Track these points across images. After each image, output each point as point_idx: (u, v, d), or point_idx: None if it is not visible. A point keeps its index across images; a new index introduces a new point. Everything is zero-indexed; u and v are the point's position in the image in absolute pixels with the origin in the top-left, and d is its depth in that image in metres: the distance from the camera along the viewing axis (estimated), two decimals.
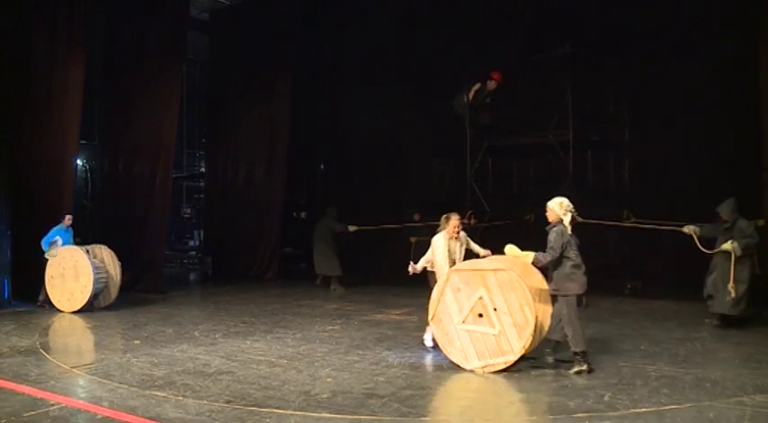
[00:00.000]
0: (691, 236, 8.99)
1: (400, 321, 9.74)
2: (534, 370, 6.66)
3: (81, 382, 6.47)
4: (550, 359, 6.86)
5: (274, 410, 5.40)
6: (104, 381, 6.36)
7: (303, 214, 14.19)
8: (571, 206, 6.74)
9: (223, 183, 16.15)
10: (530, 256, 6.74)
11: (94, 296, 10.61)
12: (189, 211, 20.16)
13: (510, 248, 6.93)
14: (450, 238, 7.62)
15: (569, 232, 6.66)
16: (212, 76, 16.93)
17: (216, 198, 16.42)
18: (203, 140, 18.99)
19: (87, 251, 10.72)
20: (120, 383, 6.24)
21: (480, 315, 6.71)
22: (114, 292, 11.03)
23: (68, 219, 11.07)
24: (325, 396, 5.83)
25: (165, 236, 13.81)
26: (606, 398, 5.74)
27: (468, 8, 13.58)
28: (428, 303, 7.14)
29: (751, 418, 5.17)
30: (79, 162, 15.92)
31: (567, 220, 6.67)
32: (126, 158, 13.59)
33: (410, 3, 14.32)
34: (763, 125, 8.86)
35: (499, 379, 6.46)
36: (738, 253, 8.67)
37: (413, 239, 11.52)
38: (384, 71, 14.67)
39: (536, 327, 6.52)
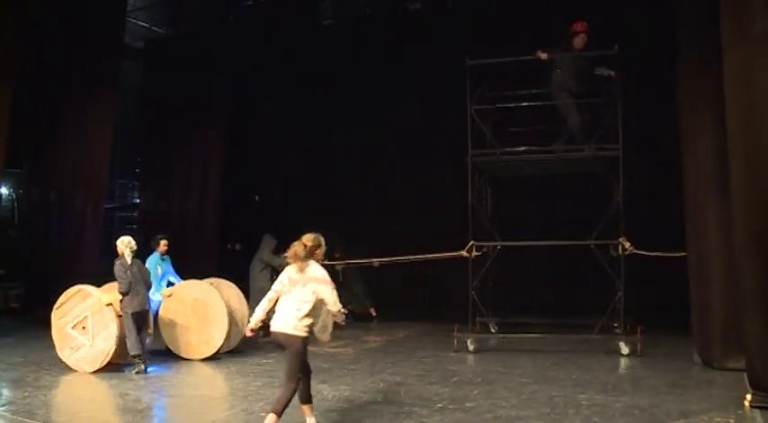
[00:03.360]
0: None
1: (335, 354, 9.68)
2: (469, 402, 6.71)
3: (1, 422, 6.21)
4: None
5: None
6: (27, 420, 6.08)
7: (237, 246, 14.00)
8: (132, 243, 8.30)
9: (156, 214, 15.88)
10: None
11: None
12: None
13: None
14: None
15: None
16: (146, 105, 16.72)
17: (149, 229, 16.11)
18: (137, 170, 18.67)
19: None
20: (44, 422, 6.01)
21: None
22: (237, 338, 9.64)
23: (164, 244, 9.63)
24: None
25: (95, 268, 13.45)
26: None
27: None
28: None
29: None
30: (5, 190, 15.45)
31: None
32: (56, 188, 13.24)
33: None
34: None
35: (432, 411, 6.47)
36: None
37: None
38: (315, 100, 14.76)
39: None
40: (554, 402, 6.68)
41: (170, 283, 9.66)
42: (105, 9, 13.28)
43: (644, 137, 11.38)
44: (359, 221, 14.31)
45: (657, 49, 10.63)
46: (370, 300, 13.04)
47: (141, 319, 8.20)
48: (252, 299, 11.55)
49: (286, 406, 5.35)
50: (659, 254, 9.96)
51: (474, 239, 10.18)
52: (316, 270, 5.57)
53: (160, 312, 9.34)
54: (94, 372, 8.12)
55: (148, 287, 8.56)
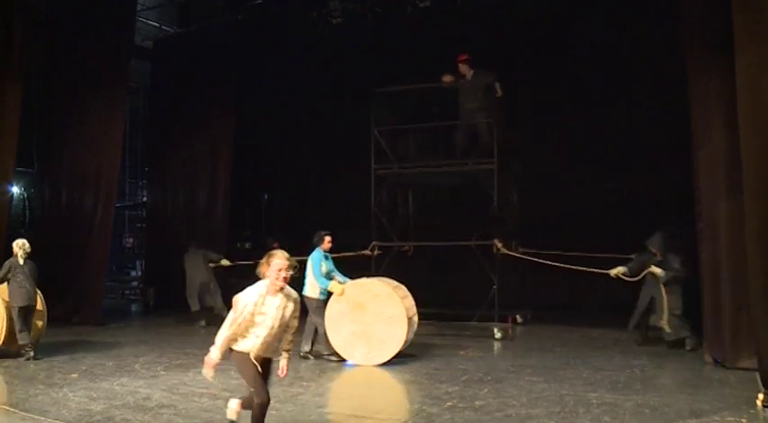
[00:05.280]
0: (617, 277, 9.65)
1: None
2: (478, 401, 6.70)
3: (14, 419, 6.22)
4: None
5: None
6: (39, 417, 6.13)
7: (247, 245, 14.02)
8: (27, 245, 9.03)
9: (165, 212, 15.93)
10: None
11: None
12: (131, 240, 19.77)
13: None
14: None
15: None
16: (155, 105, 16.77)
17: (158, 228, 16.18)
18: (146, 169, 18.73)
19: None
20: (56, 419, 6.02)
21: None
22: None
23: (328, 241, 9.20)
24: None
25: (105, 266, 13.53)
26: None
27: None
28: None
29: None
30: (16, 189, 15.51)
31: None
32: (67, 187, 13.32)
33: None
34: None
35: (442, 410, 6.46)
36: (663, 279, 9.30)
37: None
38: (327, 99, 14.73)
39: None
40: (564, 401, 6.66)
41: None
42: (116, 9, 13.33)
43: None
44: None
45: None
46: None
47: (28, 312, 8.95)
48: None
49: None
50: (522, 256, 11.00)
51: (376, 241, 11.67)
52: None
53: (327, 312, 8.93)
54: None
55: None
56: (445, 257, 13.61)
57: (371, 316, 8.66)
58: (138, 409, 6.39)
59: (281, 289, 4.96)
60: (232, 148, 15.31)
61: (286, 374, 5.20)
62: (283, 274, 4.88)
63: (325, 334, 8.91)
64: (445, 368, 8.42)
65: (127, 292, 18.83)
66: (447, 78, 11.40)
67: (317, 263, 9.01)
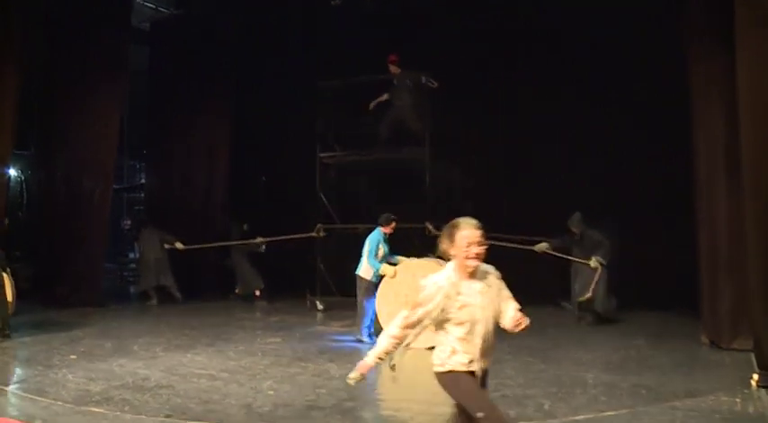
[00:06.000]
0: (544, 253, 10.20)
1: (343, 333, 9.74)
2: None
3: (12, 399, 6.26)
4: None
5: None
6: (38, 398, 6.16)
7: (245, 226, 14.05)
8: None
9: (164, 195, 15.90)
10: None
11: None
12: (129, 223, 19.75)
13: None
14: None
15: None
16: (154, 87, 16.68)
17: (156, 210, 16.15)
18: (144, 152, 18.67)
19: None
20: (55, 400, 6.04)
21: None
22: None
23: (393, 227, 9.16)
24: (266, 409, 5.79)
25: (104, 248, 13.52)
26: (546, 406, 5.84)
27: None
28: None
29: (681, 420, 5.39)
30: (13, 172, 15.47)
31: None
32: (65, 170, 13.25)
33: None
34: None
35: (437, 388, 6.49)
36: (603, 263, 9.95)
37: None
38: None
39: None
40: (561, 381, 6.71)
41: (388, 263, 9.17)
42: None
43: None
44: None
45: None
46: (256, 279, 13.56)
47: None
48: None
49: None
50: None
51: (321, 223, 12.61)
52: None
53: (378, 296, 8.91)
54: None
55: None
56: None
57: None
58: (136, 390, 6.43)
59: (474, 270, 3.74)
60: (230, 129, 15.25)
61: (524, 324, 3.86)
62: (474, 249, 3.68)
63: (365, 316, 8.99)
64: None
65: (125, 273, 18.83)
66: (394, 69, 12.03)
67: (375, 244, 8.98)
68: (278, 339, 9.20)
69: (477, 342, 3.68)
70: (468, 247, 3.65)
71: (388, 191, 13.81)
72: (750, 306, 6.83)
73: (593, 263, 9.98)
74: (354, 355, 7.99)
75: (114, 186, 14.83)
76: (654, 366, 7.41)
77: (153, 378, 6.92)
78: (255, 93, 15.41)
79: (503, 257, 9.27)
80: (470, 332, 3.66)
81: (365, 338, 8.92)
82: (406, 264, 8.92)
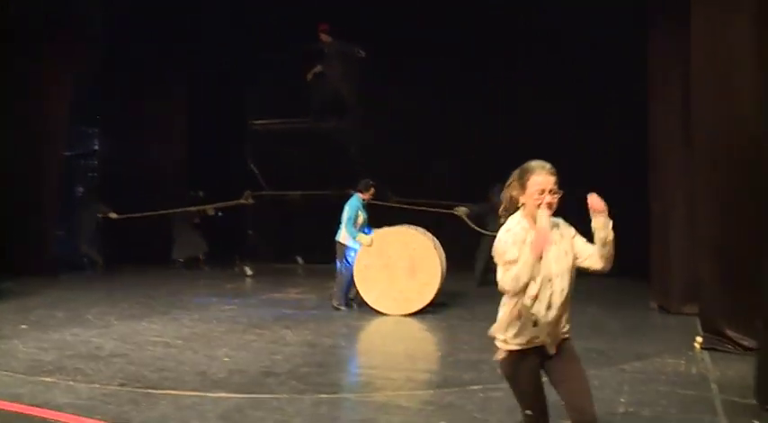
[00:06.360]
0: (461, 217, 10.15)
1: (299, 300, 9.76)
2: (429, 346, 6.83)
3: None
4: None
5: (170, 392, 5.31)
6: None
7: (201, 193, 13.96)
8: None
9: (118, 162, 15.61)
10: None
11: None
12: (82, 190, 19.39)
13: None
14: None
15: None
16: (108, 52, 16.25)
17: (111, 177, 15.86)
18: (98, 117, 18.26)
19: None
20: (5, 370, 5.93)
21: None
22: None
23: (372, 193, 9.06)
24: (221, 376, 5.78)
25: (55, 215, 13.27)
26: (499, 370, 5.92)
27: None
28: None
29: (629, 382, 5.55)
30: None
31: None
32: (14, 136, 12.93)
33: None
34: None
35: (394, 354, 6.57)
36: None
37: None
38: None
39: None
40: None
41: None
42: None
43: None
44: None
45: None
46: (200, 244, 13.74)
47: None
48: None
49: None
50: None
51: (250, 190, 13.07)
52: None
53: (355, 263, 8.77)
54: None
55: None
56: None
57: (401, 261, 8.58)
58: (90, 359, 6.36)
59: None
60: (186, 96, 15.04)
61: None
62: (547, 198, 3.16)
63: (343, 283, 8.96)
64: (401, 316, 8.54)
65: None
66: (324, 38, 12.20)
67: (354, 211, 8.84)
68: (233, 307, 9.18)
69: (550, 302, 3.17)
70: (540, 194, 3.16)
71: (319, 159, 13.85)
72: (699, 272, 7.00)
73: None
74: (310, 322, 8.06)
75: (66, 153, 14.51)
76: (605, 331, 7.58)
77: (107, 347, 6.85)
78: (208, 62, 15.16)
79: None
80: (543, 290, 3.15)
81: (342, 307, 8.90)
82: (382, 232, 8.90)
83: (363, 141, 12.70)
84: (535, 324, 3.17)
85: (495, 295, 3.32)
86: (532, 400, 3.33)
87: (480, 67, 12.63)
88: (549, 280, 3.16)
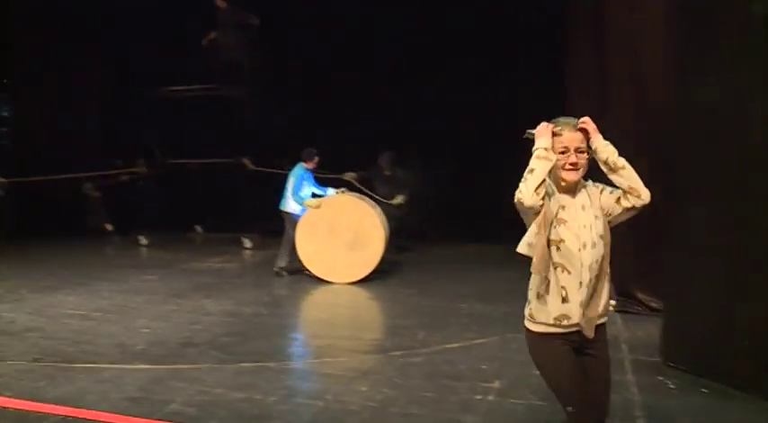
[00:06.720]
0: (351, 181, 10.16)
1: (219, 269, 9.66)
2: (351, 313, 6.88)
3: None
4: None
5: (87, 365, 5.20)
6: None
7: (119, 162, 13.63)
8: None
9: (30, 128, 14.99)
10: None
11: None
12: None
13: None
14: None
15: None
16: (17, 12, 15.50)
17: (21, 144, 15.24)
18: (5, 81, 17.45)
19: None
20: None
21: None
22: None
23: (316, 162, 9.10)
24: (140, 347, 5.69)
25: None
26: (420, 336, 6.04)
27: None
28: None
29: None
30: None
31: None
32: None
33: None
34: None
35: (317, 322, 6.60)
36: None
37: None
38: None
39: None
40: (435, 312, 6.94)
41: (314, 195, 9.05)
42: None
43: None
44: None
45: None
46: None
47: None
48: None
49: None
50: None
51: (145, 159, 13.34)
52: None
53: (298, 228, 8.74)
54: None
55: None
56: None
57: (347, 232, 8.60)
58: (2, 334, 6.15)
59: (572, 185, 2.87)
60: (100, 57, 14.60)
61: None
62: (572, 157, 2.82)
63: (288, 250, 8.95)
64: (324, 286, 8.56)
65: None
66: (220, 3, 12.08)
67: (300, 180, 8.89)
68: (153, 276, 9.00)
69: (581, 276, 2.81)
70: (566, 155, 2.81)
71: (212, 126, 13.51)
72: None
73: (397, 200, 10.15)
74: (230, 291, 7.99)
75: None
76: (525, 295, 7.74)
77: (19, 321, 6.62)
78: (122, 29, 14.65)
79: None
80: (572, 260, 2.81)
81: (284, 273, 8.99)
82: (330, 199, 8.93)
83: (260, 110, 12.65)
84: (564, 300, 2.83)
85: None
86: (569, 395, 2.88)
87: (378, 38, 12.29)
88: (579, 250, 2.80)
